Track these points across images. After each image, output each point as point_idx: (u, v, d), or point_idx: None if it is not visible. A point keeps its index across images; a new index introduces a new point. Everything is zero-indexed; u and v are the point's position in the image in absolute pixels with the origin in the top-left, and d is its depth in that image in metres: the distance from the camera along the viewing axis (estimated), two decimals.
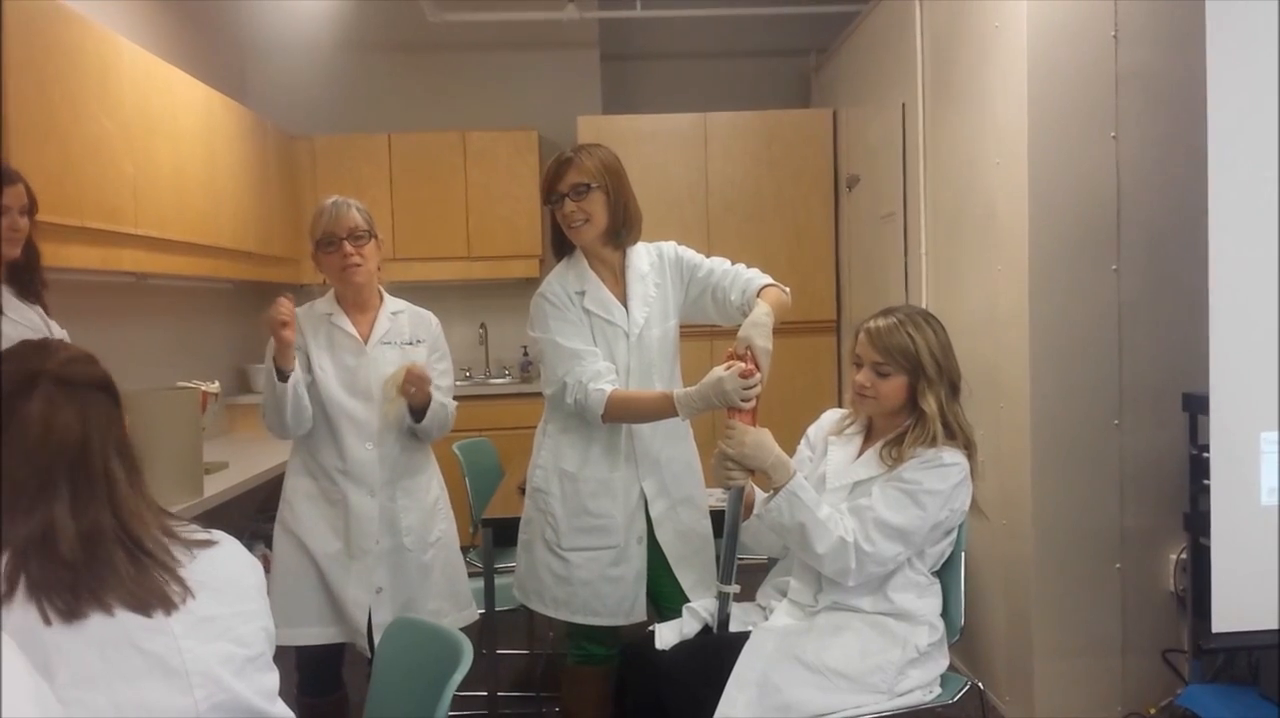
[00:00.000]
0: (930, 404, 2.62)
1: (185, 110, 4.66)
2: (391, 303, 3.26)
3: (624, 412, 2.84)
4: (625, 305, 2.93)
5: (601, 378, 2.82)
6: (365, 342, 3.15)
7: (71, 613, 1.41)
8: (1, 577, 1.42)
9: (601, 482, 2.90)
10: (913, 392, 2.65)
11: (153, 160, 4.27)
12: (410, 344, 3.19)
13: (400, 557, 3.12)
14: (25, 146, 3.31)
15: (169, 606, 1.49)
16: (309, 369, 3.10)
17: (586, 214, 2.87)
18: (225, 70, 6.07)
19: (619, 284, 2.96)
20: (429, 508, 3.21)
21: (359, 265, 3.09)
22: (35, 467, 1.47)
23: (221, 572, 1.59)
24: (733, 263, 3.00)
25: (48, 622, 1.39)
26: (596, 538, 2.90)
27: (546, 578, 2.93)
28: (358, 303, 3.18)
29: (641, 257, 2.97)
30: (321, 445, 3.13)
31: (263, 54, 6.62)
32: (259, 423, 3.16)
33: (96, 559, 1.46)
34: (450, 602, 3.24)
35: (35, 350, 1.56)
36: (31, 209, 2.88)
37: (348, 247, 3.07)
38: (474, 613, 3.34)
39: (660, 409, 2.80)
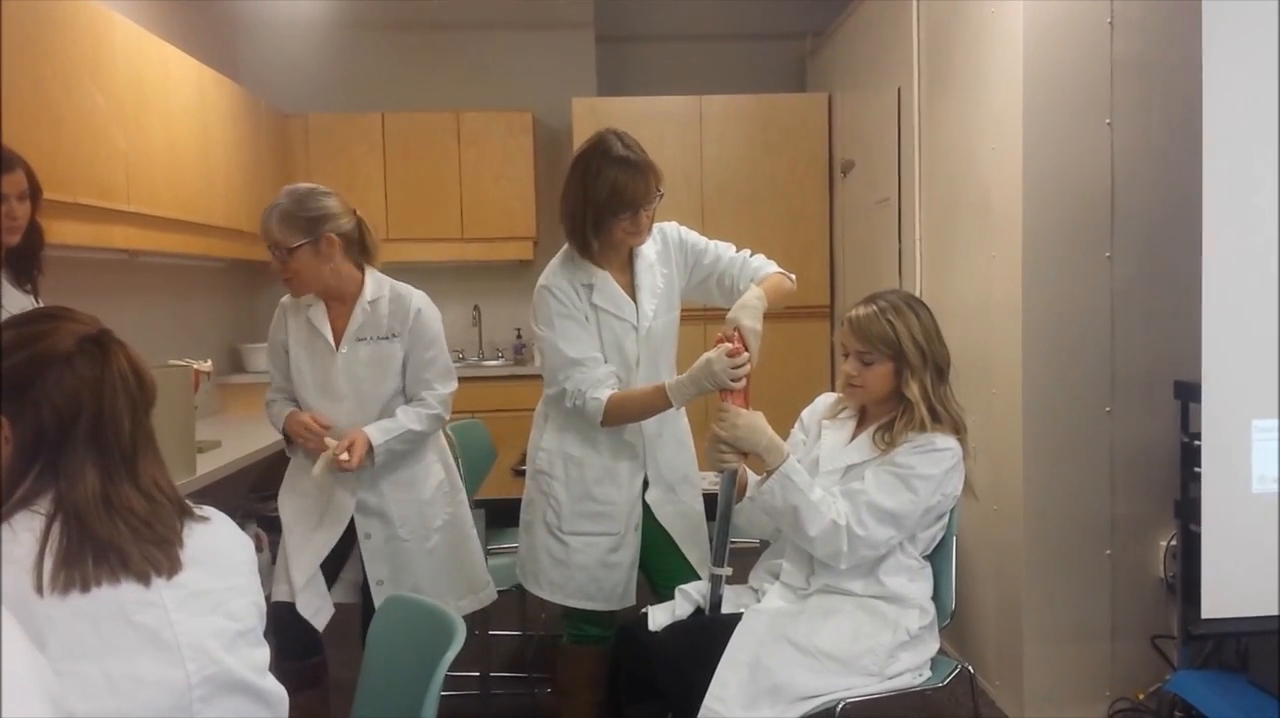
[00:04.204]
0: (913, 391, 2.63)
1: (178, 87, 4.64)
2: (371, 288, 3.05)
3: (621, 414, 2.81)
4: (634, 298, 2.88)
5: (600, 386, 2.79)
6: (340, 339, 3.03)
7: (84, 583, 1.42)
8: (32, 537, 1.42)
9: (607, 468, 2.89)
10: (899, 378, 2.66)
11: (145, 137, 4.26)
12: (385, 338, 3.03)
13: (396, 547, 3.07)
14: (18, 122, 3.30)
15: (170, 573, 1.50)
16: (289, 365, 3.08)
17: (651, 222, 2.83)
18: (218, 47, 6.05)
19: (625, 273, 2.90)
20: (427, 497, 3.12)
21: (288, 280, 2.94)
22: (65, 430, 1.47)
23: (213, 547, 1.60)
24: (737, 248, 2.99)
25: (40, 592, 1.39)
26: (598, 524, 2.89)
27: (544, 560, 2.92)
28: (334, 294, 3.03)
29: (647, 243, 2.92)
30: None
31: (256, 31, 6.59)
32: (251, 402, 3.17)
33: (118, 530, 1.47)
34: (464, 585, 3.19)
35: (62, 316, 1.56)
36: (34, 194, 2.86)
37: (276, 259, 2.92)
38: (491, 593, 3.29)
39: (654, 403, 2.78)
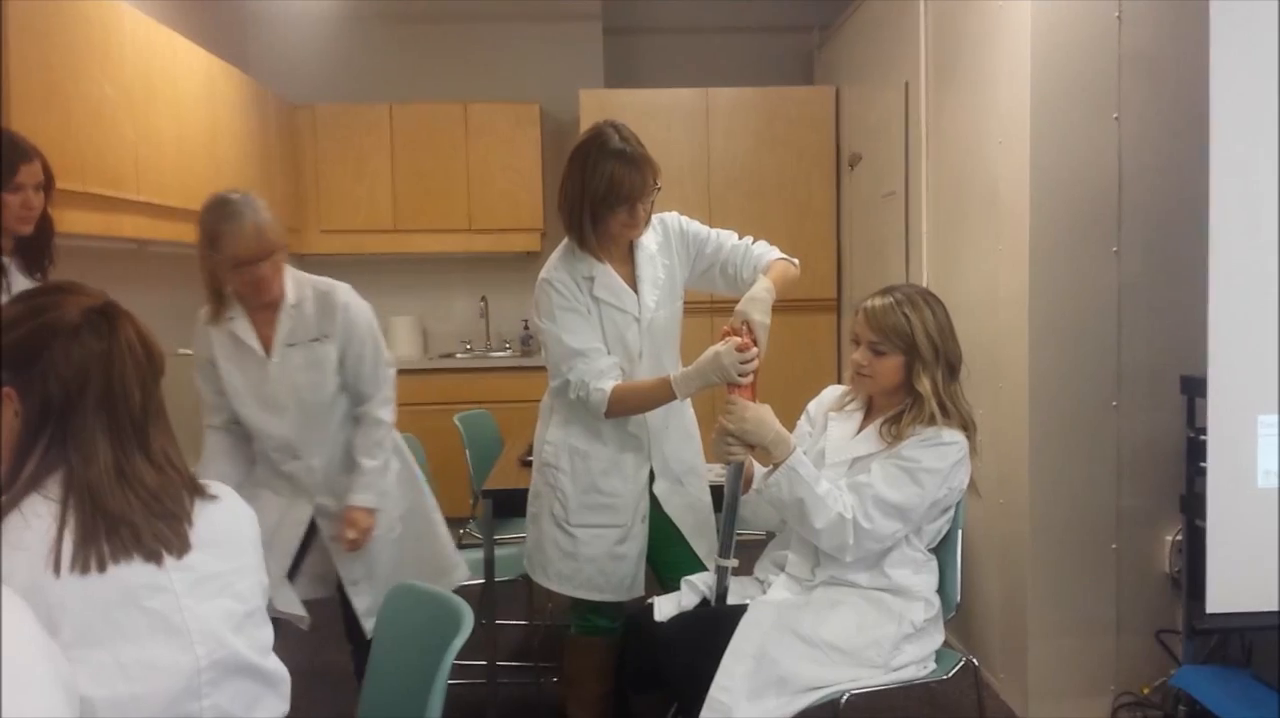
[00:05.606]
0: (925, 385, 2.63)
1: (187, 77, 4.65)
2: (293, 291, 2.93)
3: (626, 405, 2.81)
4: (635, 289, 2.88)
5: (604, 377, 2.79)
6: (269, 348, 2.94)
7: (100, 562, 1.42)
8: (43, 523, 1.42)
9: (612, 460, 2.89)
10: (909, 371, 2.66)
11: (154, 126, 4.26)
12: (316, 340, 2.94)
13: (369, 547, 3.05)
14: (27, 111, 3.30)
15: (180, 552, 1.51)
16: (220, 381, 2.96)
17: (649, 215, 2.83)
18: (227, 37, 6.04)
19: (627, 265, 2.90)
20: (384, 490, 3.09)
21: (263, 287, 2.84)
22: (73, 402, 1.47)
23: (222, 527, 1.61)
24: (740, 236, 2.99)
25: (57, 573, 1.39)
26: (605, 516, 2.89)
27: (552, 553, 2.93)
28: (268, 300, 2.92)
29: (648, 234, 2.92)
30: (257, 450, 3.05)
31: (265, 22, 6.59)
32: None
33: (129, 503, 1.48)
34: (434, 570, 3.19)
35: (68, 289, 1.57)
36: (48, 185, 2.88)
37: (266, 268, 2.80)
38: (463, 574, 3.29)
39: (660, 395, 2.79)
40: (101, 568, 1.42)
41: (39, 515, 1.43)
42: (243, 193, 2.84)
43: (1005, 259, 3.73)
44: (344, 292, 3.00)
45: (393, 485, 3.13)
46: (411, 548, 3.17)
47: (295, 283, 2.96)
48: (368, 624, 3.06)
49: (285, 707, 1.66)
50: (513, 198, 6.51)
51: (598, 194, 2.72)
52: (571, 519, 2.90)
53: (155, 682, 1.45)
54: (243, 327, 2.94)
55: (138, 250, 4.61)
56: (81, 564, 1.41)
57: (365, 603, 3.08)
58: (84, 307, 1.52)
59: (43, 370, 1.46)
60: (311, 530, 3.09)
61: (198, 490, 1.60)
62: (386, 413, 3.04)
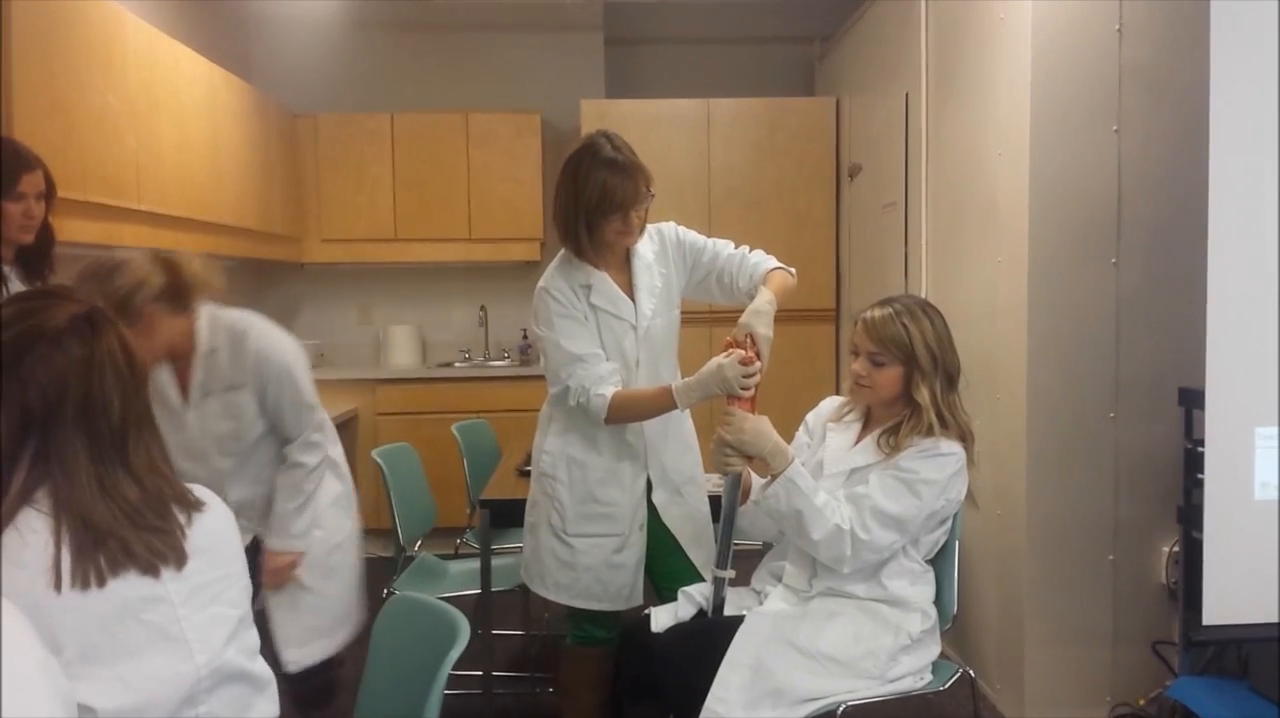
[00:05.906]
0: (924, 396, 2.63)
1: (189, 86, 4.66)
2: (207, 338, 2.80)
3: (626, 412, 2.81)
4: (632, 298, 2.89)
5: (604, 382, 2.79)
6: (186, 394, 2.84)
7: (99, 577, 1.41)
8: (39, 539, 1.41)
9: (610, 470, 2.89)
10: (908, 382, 2.66)
11: (156, 135, 4.27)
12: (231, 389, 2.82)
13: (298, 579, 2.97)
14: (29, 120, 3.31)
15: (178, 565, 1.50)
16: None
17: (643, 222, 2.84)
18: (229, 46, 6.06)
19: (624, 273, 2.91)
20: (323, 508, 3.01)
21: (152, 350, 2.65)
22: (52, 410, 1.45)
23: (213, 533, 1.60)
24: (737, 245, 2.99)
25: (59, 590, 1.38)
26: (602, 525, 2.90)
27: (550, 563, 2.93)
28: (173, 354, 2.81)
29: (645, 243, 2.94)
30: None
31: (267, 31, 6.61)
32: None
33: (114, 516, 1.46)
34: (345, 614, 3.06)
35: (61, 295, 1.53)
36: (50, 194, 2.88)
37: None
38: (354, 631, 3.09)
39: (660, 404, 2.79)
40: (101, 583, 1.41)
41: (35, 531, 1.41)
42: (101, 264, 2.59)
43: (1004, 270, 3.74)
44: (256, 336, 2.86)
45: (331, 507, 3.04)
46: (347, 581, 3.09)
47: (210, 327, 2.83)
48: (286, 656, 2.93)
49: (275, 709, 1.66)
50: (513, 207, 6.52)
51: (591, 203, 2.74)
52: (569, 529, 2.90)
53: (160, 693, 1.45)
54: (163, 371, 2.84)
55: None
56: (81, 581, 1.40)
57: (285, 632, 2.95)
58: (71, 313, 1.49)
59: (22, 377, 1.43)
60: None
61: (190, 504, 1.58)
62: (308, 456, 2.94)
